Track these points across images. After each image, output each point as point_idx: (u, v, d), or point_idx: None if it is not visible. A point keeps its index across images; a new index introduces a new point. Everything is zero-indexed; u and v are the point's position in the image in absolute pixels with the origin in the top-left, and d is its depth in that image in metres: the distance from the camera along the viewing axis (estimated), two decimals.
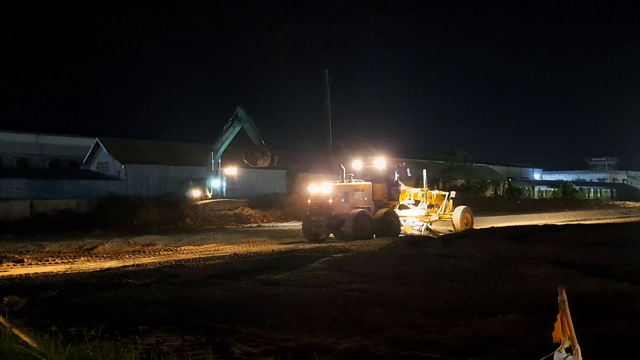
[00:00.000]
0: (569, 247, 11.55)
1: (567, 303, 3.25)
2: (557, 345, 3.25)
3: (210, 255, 13.71)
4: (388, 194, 18.63)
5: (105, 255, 14.61)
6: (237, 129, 30.36)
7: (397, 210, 18.80)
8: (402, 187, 19.28)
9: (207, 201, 30.02)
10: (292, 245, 16.09)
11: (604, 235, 15.53)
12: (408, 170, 19.84)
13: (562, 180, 67.72)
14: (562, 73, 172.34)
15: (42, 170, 36.85)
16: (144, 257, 14.16)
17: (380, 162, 18.95)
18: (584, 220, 26.87)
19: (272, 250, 14.53)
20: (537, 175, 75.55)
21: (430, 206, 19.37)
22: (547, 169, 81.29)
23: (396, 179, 18.99)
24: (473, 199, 35.86)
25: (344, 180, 18.58)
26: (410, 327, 5.47)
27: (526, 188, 57.81)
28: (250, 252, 14.15)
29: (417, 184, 19.95)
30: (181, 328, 5.74)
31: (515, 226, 21.61)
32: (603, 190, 73.61)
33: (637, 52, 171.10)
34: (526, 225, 22.84)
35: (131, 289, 8.65)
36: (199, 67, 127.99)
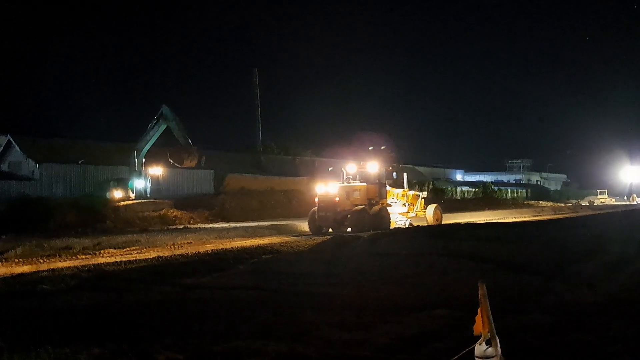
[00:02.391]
0: (488, 243, 12.12)
1: (486, 297, 3.37)
2: (479, 338, 3.37)
3: (132, 259, 13.10)
4: (379, 194, 21.09)
5: (16, 261, 13.58)
6: (163, 128, 29.37)
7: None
8: (387, 187, 21.95)
9: (130, 202, 28.85)
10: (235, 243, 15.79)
11: (520, 232, 16.48)
12: (394, 173, 22.61)
13: (482, 181, 70.98)
14: (482, 81, 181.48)
15: None
16: (60, 261, 13.30)
17: (373, 166, 21.37)
18: (502, 218, 28.36)
19: (199, 252, 14.14)
20: (459, 176, 78.82)
21: (404, 205, 22.55)
22: (469, 170, 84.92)
23: (385, 180, 21.58)
24: None
25: (343, 182, 21.04)
26: (340, 326, 5.49)
27: (449, 188, 60.13)
28: (175, 255, 13.70)
29: (398, 185, 22.92)
30: (101, 336, 5.43)
31: (439, 224, 22.56)
32: (519, 190, 78.16)
33: (552, 62, 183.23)
34: (449, 224, 23.89)
35: (45, 296, 8.11)
36: (121, 63, 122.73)
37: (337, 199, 19.72)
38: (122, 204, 28.33)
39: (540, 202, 59.46)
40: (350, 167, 21.63)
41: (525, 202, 58.72)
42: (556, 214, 36.07)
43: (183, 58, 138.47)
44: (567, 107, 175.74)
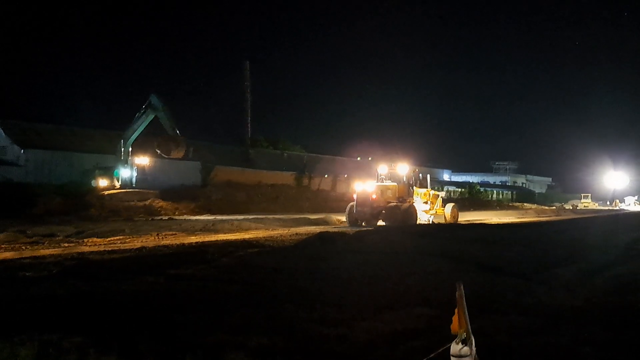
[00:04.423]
0: (470, 244, 12.28)
1: (464, 297, 3.45)
2: (456, 337, 3.45)
3: (116, 248, 13.06)
4: (407, 192, 23.42)
5: None
6: (151, 117, 29.17)
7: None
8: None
9: (115, 191, 28.68)
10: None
11: (503, 234, 16.68)
12: (421, 175, 25.30)
13: (469, 182, 71.56)
14: (472, 84, 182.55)
15: None
16: (43, 249, 13.22)
17: (403, 168, 23.66)
18: (487, 219, 28.65)
19: (183, 244, 14.14)
20: (446, 176, 79.32)
21: (425, 203, 24.84)
22: (456, 170, 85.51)
23: (412, 181, 23.94)
24: None
25: (377, 181, 23.62)
26: (321, 322, 5.55)
27: (436, 188, 60.51)
28: (159, 246, 13.67)
29: (422, 185, 25.40)
30: (83, 325, 5.45)
31: (422, 224, 22.79)
32: (504, 192, 78.92)
33: (540, 67, 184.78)
34: (432, 223, 24.16)
35: (27, 283, 8.07)
36: (111, 51, 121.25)
37: (374, 196, 22.21)
38: (107, 192, 28.17)
39: (524, 204, 60.12)
40: (382, 169, 24.20)
41: (510, 204, 59.32)
42: (540, 217, 36.52)
43: (173, 47, 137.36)
44: (553, 112, 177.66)
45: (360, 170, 48.17)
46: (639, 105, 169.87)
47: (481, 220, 28.05)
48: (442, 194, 28.01)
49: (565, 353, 4.60)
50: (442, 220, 24.75)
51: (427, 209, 24.72)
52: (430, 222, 24.18)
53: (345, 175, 34.70)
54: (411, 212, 22.28)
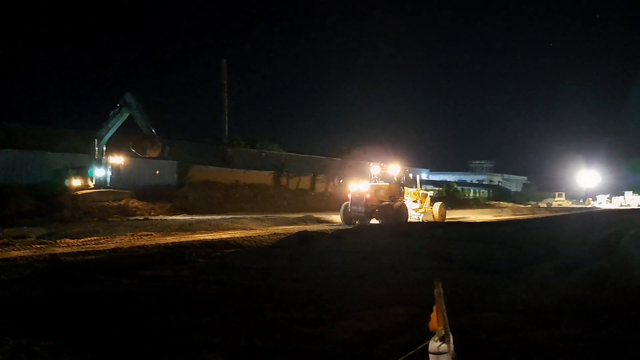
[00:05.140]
0: (448, 242, 12.37)
1: (442, 295, 3.46)
2: (435, 334, 3.46)
3: (90, 250, 12.78)
4: (399, 192, 24.41)
5: None
6: (125, 116, 28.64)
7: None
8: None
9: (89, 191, 28.09)
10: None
11: (480, 232, 16.86)
12: (411, 175, 26.60)
13: (446, 181, 72.20)
14: (449, 84, 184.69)
15: None
16: (13, 250, 12.86)
17: (394, 169, 24.66)
18: (464, 218, 29.01)
19: (159, 245, 13.92)
20: (424, 175, 79.98)
21: (415, 201, 25.92)
22: (434, 169, 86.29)
23: (402, 180, 24.93)
24: None
25: (370, 181, 24.57)
26: (300, 321, 5.51)
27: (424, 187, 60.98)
28: (134, 246, 13.44)
29: (411, 184, 26.50)
30: (56, 328, 5.30)
31: (402, 222, 22.96)
32: (481, 190, 79.97)
33: (515, 67, 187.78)
34: (411, 222, 24.36)
35: None
36: (85, 48, 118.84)
37: (368, 195, 23.07)
38: (80, 192, 27.56)
39: (501, 202, 61.00)
40: (375, 169, 25.20)
41: (487, 203, 60.12)
42: (516, 215, 37.10)
43: (149, 45, 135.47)
44: (529, 112, 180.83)
45: (341, 170, 48.31)
46: (610, 105, 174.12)
47: (459, 218, 28.44)
48: (431, 193, 29.59)
49: (542, 348, 4.64)
50: (430, 218, 25.82)
51: (417, 207, 25.79)
52: (420, 220, 25.22)
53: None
54: (403, 211, 23.38)
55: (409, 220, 23.76)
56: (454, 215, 30.93)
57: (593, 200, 71.58)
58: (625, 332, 5.19)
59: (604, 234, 15.19)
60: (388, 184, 24.29)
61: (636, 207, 61.31)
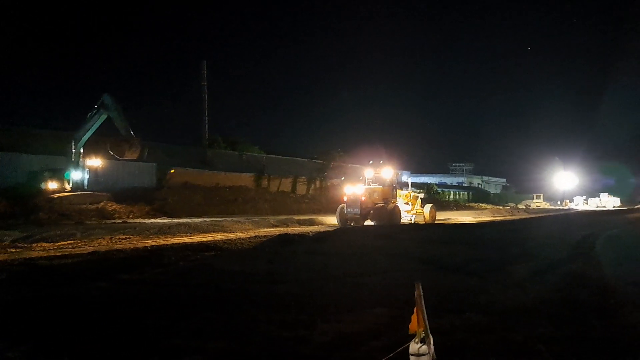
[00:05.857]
0: (428, 244, 12.45)
1: (422, 297, 3.49)
2: (415, 336, 3.48)
3: (66, 253, 12.57)
4: (392, 194, 25.26)
5: None
6: (103, 117, 28.20)
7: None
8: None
9: (65, 194, 27.62)
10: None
11: (459, 235, 17.02)
12: (403, 177, 27.80)
13: (427, 183, 72.71)
14: (429, 87, 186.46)
15: None
16: None
17: (387, 172, 25.48)
18: (444, 220, 29.28)
19: (138, 248, 13.75)
20: (404, 177, 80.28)
21: (407, 203, 26.87)
22: (414, 171, 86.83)
23: (395, 183, 25.87)
24: None
25: (365, 184, 25.38)
26: (280, 324, 5.49)
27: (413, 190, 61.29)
28: (112, 250, 13.25)
29: (403, 186, 27.54)
30: (32, 333, 5.19)
31: (384, 225, 23.07)
32: (461, 192, 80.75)
33: (495, 70, 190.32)
34: (394, 224, 24.51)
35: None
36: (62, 48, 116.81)
37: (363, 198, 23.90)
38: (57, 195, 27.09)
39: (480, 204, 61.70)
40: (369, 173, 26.14)
41: (466, 204, 60.73)
42: (495, 217, 37.58)
43: (128, 45, 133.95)
44: (507, 115, 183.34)
45: (321, 172, 48.30)
46: (586, 109, 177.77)
47: (442, 220, 28.74)
48: (421, 195, 30.58)
49: (519, 349, 4.70)
50: (421, 220, 26.61)
51: (409, 209, 26.71)
52: (413, 222, 26.09)
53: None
54: (396, 212, 24.07)
55: (401, 222, 24.42)
56: (437, 217, 31.29)
57: (570, 202, 72.87)
58: (600, 332, 5.29)
59: (580, 235, 15.47)
60: (382, 186, 24.98)
61: (611, 208, 62.63)
